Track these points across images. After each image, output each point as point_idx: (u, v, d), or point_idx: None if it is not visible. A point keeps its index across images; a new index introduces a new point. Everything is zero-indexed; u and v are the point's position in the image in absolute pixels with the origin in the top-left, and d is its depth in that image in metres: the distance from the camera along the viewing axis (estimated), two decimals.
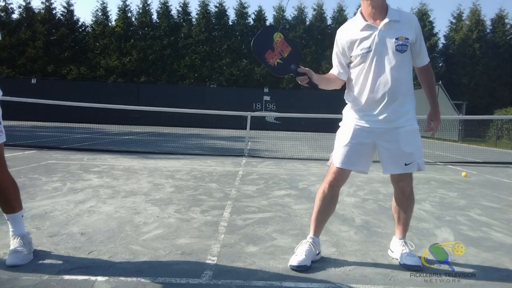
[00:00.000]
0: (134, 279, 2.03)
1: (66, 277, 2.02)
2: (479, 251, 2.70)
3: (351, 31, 2.26)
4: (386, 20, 2.17)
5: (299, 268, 2.22)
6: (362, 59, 2.21)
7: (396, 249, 2.45)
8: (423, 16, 26.00)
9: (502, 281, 2.21)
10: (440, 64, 27.13)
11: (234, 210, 3.62)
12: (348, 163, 2.29)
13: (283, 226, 3.14)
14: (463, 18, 26.98)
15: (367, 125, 2.26)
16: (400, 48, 2.17)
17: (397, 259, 2.40)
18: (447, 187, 5.36)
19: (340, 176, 2.33)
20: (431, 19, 26.18)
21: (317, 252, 2.40)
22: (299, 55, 2.23)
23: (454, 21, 27.30)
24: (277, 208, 3.72)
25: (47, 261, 2.24)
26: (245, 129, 9.46)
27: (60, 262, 2.22)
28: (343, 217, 3.42)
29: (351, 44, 2.24)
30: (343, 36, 2.29)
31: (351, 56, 2.26)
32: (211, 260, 2.35)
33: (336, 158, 2.31)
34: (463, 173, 6.50)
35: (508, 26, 26.15)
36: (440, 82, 20.07)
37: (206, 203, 3.83)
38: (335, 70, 2.37)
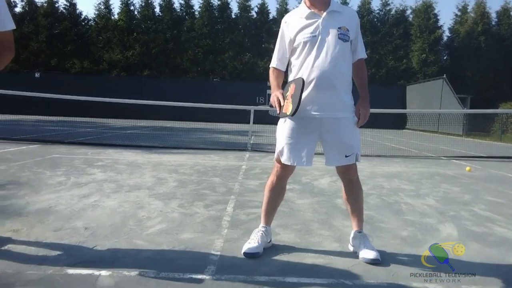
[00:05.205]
0: (138, 273, 2.04)
1: (70, 271, 2.04)
2: (482, 246, 2.69)
3: (296, 19, 2.32)
4: (329, 9, 2.25)
5: (252, 255, 2.28)
6: (306, 45, 2.25)
7: (356, 243, 2.46)
8: (427, 9, 25.73)
9: (506, 276, 2.20)
10: (445, 57, 26.89)
11: (238, 204, 3.62)
12: (294, 160, 2.31)
13: (286, 221, 3.15)
14: (468, 10, 26.70)
15: (310, 114, 2.26)
16: (343, 37, 2.24)
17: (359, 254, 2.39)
18: (451, 181, 5.33)
19: (287, 171, 2.42)
20: (435, 11, 25.88)
21: (269, 240, 2.47)
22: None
23: (459, 13, 27.01)
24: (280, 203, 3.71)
25: (51, 255, 2.25)
26: (248, 123, 9.47)
27: (64, 256, 2.24)
28: (346, 212, 3.39)
29: (297, 31, 2.28)
30: (288, 24, 2.34)
31: (295, 43, 2.29)
32: (214, 255, 2.35)
33: (282, 155, 2.33)
34: (467, 168, 6.48)
35: None
36: (444, 76, 19.94)
37: (209, 198, 3.84)
38: (279, 64, 2.39)
